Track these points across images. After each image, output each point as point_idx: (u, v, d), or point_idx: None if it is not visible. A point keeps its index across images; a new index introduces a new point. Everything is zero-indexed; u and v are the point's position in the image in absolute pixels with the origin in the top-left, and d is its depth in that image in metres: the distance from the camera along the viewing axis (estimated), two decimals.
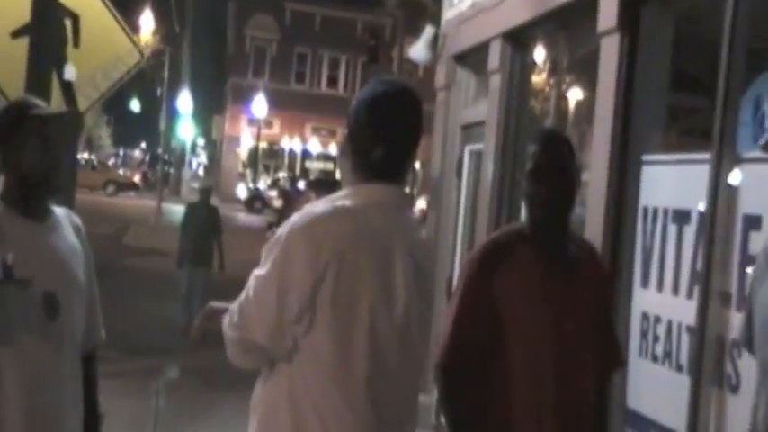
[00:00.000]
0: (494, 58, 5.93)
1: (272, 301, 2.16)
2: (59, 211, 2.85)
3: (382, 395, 2.17)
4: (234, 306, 2.27)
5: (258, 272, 2.21)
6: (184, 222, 11.27)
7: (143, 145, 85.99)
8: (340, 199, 2.23)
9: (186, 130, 41.55)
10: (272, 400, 2.23)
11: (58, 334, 2.70)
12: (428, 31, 7.31)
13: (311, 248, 2.12)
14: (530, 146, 2.84)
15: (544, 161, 2.76)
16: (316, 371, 2.16)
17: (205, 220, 10.96)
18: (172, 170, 44.74)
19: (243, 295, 2.25)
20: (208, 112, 52.54)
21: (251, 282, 2.23)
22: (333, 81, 45.06)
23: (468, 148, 6.40)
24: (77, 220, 2.93)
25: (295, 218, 2.22)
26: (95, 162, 48.09)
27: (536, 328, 2.70)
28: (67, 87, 5.07)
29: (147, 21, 38.22)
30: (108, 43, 5.27)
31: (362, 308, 2.13)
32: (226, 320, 2.28)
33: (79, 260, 2.81)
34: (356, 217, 2.18)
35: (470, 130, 6.38)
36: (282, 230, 2.20)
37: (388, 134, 2.24)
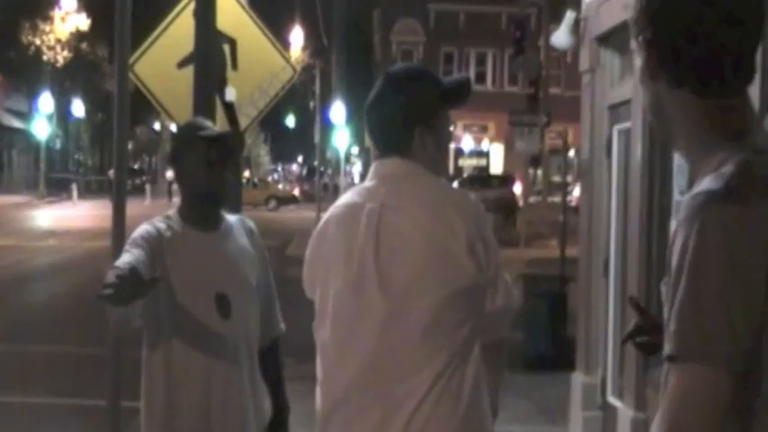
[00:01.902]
0: None
1: None
2: (232, 218, 3.06)
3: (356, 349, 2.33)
4: None
5: None
6: None
7: (299, 159, 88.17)
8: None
9: (341, 140, 42.50)
10: None
11: (233, 330, 2.91)
12: (569, 16, 7.34)
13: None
14: None
15: None
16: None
17: None
18: (329, 181, 45.82)
19: None
20: (360, 120, 53.50)
21: None
22: (481, 77, 45.01)
23: (616, 128, 6.39)
24: (250, 223, 3.14)
25: None
26: (256, 180, 49.72)
27: None
28: (229, 108, 5.41)
29: (296, 37, 39.35)
30: (263, 62, 5.60)
31: (333, 269, 2.37)
32: None
33: (251, 261, 3.01)
34: (354, 191, 2.45)
35: (617, 110, 6.36)
36: None
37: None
